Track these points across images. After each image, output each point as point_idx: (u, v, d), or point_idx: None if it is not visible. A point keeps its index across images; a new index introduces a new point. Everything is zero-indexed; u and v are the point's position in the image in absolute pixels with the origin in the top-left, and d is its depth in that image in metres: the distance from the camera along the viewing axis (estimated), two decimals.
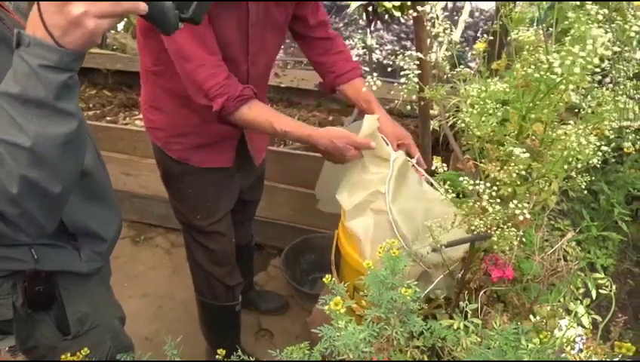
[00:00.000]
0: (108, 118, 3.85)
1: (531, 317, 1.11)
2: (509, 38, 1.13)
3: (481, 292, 1.11)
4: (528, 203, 1.10)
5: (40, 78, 0.85)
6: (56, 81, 0.86)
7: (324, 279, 1.05)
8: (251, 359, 1.11)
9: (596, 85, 1.12)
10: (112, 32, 3.86)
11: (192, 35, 1.54)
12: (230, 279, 2.25)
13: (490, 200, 1.02)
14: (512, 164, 1.04)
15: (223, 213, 2.10)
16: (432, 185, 1.46)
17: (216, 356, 1.12)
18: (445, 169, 1.28)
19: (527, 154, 1.01)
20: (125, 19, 3.50)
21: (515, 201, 1.02)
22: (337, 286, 1.07)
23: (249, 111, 1.62)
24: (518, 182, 1.06)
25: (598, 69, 0.84)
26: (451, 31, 1.17)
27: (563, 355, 0.93)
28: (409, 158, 1.49)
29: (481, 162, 1.13)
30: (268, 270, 3.18)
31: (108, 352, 1.47)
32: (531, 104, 1.02)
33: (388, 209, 1.28)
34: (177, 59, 1.60)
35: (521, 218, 1.00)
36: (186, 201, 2.05)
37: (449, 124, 1.21)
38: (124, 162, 3.31)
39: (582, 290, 1.14)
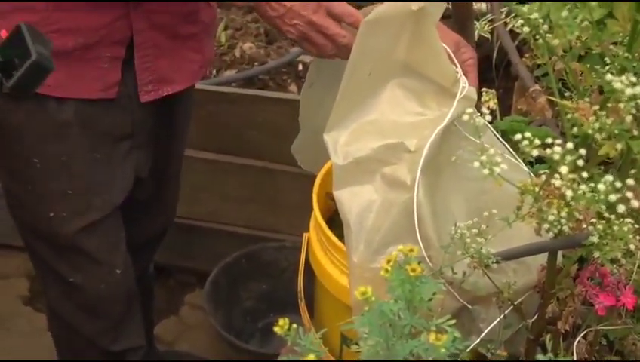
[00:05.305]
0: None
1: None
2: None
3: (579, 338, 1.02)
4: None
5: None
6: None
7: (275, 327, 0.89)
8: None
9: None
10: None
11: None
12: (113, 341, 1.86)
13: (572, 177, 0.88)
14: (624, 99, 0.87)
15: (102, 210, 1.70)
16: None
17: None
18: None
19: None
20: None
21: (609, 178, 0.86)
22: (307, 338, 0.90)
23: None
24: (636, 132, 0.91)
25: None
26: None
27: None
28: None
29: (563, 98, 0.99)
30: (180, 313, 2.74)
31: None
32: None
33: (416, 182, 1.09)
34: None
35: (636, 203, 0.86)
36: (27, 185, 1.66)
37: (508, 27, 1.16)
38: None
39: None
